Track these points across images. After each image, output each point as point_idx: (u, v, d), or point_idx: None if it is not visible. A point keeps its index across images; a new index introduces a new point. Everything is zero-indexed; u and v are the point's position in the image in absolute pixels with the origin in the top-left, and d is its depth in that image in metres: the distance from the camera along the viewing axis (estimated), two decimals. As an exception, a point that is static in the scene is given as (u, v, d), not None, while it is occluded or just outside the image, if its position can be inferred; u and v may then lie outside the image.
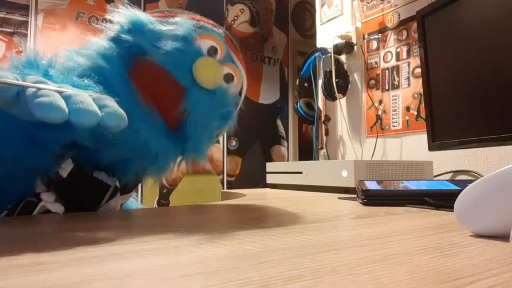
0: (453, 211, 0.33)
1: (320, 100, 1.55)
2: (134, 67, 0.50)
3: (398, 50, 1.30)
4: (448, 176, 1.10)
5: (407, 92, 1.26)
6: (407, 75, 1.26)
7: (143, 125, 0.47)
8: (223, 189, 2.78)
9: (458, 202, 0.32)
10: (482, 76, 0.71)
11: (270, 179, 1.17)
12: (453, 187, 0.59)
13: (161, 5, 2.65)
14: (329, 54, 1.40)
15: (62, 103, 0.35)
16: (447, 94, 0.80)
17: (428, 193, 0.57)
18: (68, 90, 0.38)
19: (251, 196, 0.82)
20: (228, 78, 0.53)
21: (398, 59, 1.30)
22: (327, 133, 1.55)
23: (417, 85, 1.22)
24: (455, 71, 0.78)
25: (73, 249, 0.26)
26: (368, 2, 1.44)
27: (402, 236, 0.32)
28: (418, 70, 1.23)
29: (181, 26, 0.50)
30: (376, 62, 1.38)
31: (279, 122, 3.09)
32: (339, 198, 0.73)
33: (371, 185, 0.61)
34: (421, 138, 1.20)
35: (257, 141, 2.96)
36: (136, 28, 0.49)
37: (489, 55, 0.70)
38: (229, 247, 0.27)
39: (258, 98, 2.98)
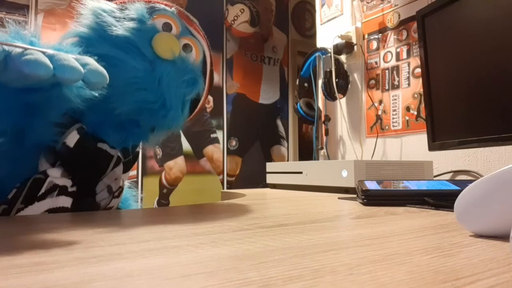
0: (453, 211, 0.33)
1: (320, 100, 1.55)
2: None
3: (398, 50, 1.30)
4: (448, 176, 1.10)
5: (407, 92, 1.26)
6: (407, 75, 1.26)
7: (146, 78, 0.54)
8: (223, 189, 2.78)
9: (458, 202, 0.32)
10: (482, 76, 0.71)
11: (270, 179, 1.17)
12: (453, 187, 0.59)
13: (161, 5, 2.65)
14: (329, 54, 1.40)
15: (47, 60, 0.38)
16: (447, 94, 0.80)
17: (428, 193, 0.57)
18: (51, 51, 0.40)
19: (251, 196, 0.82)
20: (186, 48, 0.59)
21: (398, 59, 1.30)
22: (327, 133, 1.55)
23: (417, 85, 1.22)
24: (455, 71, 0.78)
25: (73, 249, 0.26)
26: (368, 2, 1.44)
27: (402, 236, 0.32)
28: (418, 70, 1.23)
29: (135, 10, 0.55)
30: (376, 62, 1.38)
31: (279, 122, 3.08)
32: (339, 198, 0.73)
33: (371, 185, 0.61)
34: (421, 138, 1.20)
35: (257, 141, 2.96)
36: (97, 17, 0.55)
37: (489, 55, 0.70)
38: (229, 247, 0.27)
39: (258, 98, 2.98)
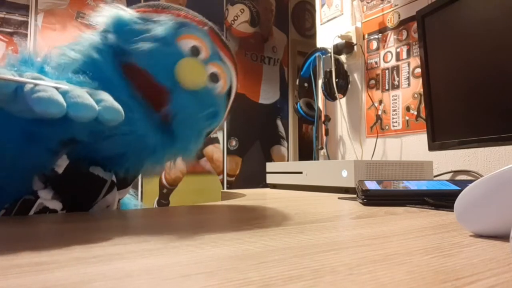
0: (453, 211, 0.33)
1: (320, 100, 1.55)
2: (126, 63, 0.49)
3: (398, 50, 1.30)
4: (448, 176, 1.10)
5: (407, 92, 1.26)
6: (407, 75, 1.26)
7: (139, 118, 0.47)
8: (223, 189, 2.78)
9: (458, 202, 0.32)
10: (482, 76, 0.71)
11: (270, 179, 1.17)
12: (453, 187, 0.59)
13: (161, 5, 2.65)
14: (329, 54, 1.40)
15: (60, 98, 0.35)
16: (447, 94, 0.80)
17: (428, 193, 0.57)
18: (65, 86, 0.38)
19: (251, 196, 0.82)
20: (214, 77, 0.52)
21: (398, 59, 1.30)
22: (327, 133, 1.55)
23: (417, 85, 1.22)
24: (455, 71, 0.78)
25: (73, 249, 0.26)
26: (368, 2, 1.44)
27: (402, 236, 0.32)
28: (418, 70, 1.23)
29: (162, 25, 0.48)
30: (376, 62, 1.38)
31: (279, 122, 3.08)
32: (339, 198, 0.73)
33: (371, 185, 0.61)
34: (421, 138, 1.20)
35: (257, 141, 2.96)
36: (117, 28, 0.49)
37: (489, 55, 0.70)
38: (229, 247, 0.27)
39: (258, 98, 2.98)
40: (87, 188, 0.50)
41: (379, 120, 1.36)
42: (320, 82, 1.48)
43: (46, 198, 0.47)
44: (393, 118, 1.31)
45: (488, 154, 1.02)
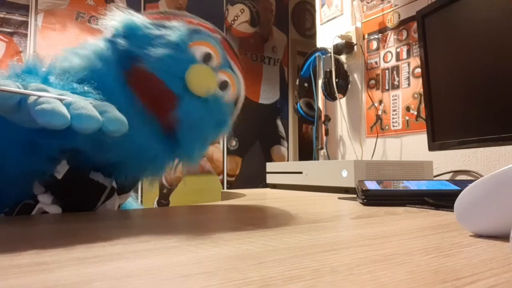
0: (453, 211, 0.33)
1: (320, 100, 1.55)
2: (131, 70, 0.49)
3: (398, 50, 1.30)
4: (448, 176, 1.10)
5: (407, 92, 1.26)
6: (407, 75, 1.26)
7: (138, 128, 0.47)
8: (223, 189, 2.78)
9: (458, 202, 0.32)
10: (482, 76, 0.71)
11: (270, 179, 1.17)
12: (453, 187, 0.59)
13: (161, 5, 2.65)
14: (329, 54, 1.40)
15: (64, 109, 0.35)
16: (447, 94, 0.80)
17: (428, 193, 0.57)
18: (69, 97, 0.38)
19: (251, 196, 0.82)
20: (224, 85, 0.52)
21: (398, 59, 1.30)
22: (327, 133, 1.55)
23: (417, 85, 1.22)
24: (455, 71, 0.78)
25: (73, 249, 0.26)
26: (368, 2, 1.44)
27: (402, 236, 0.32)
28: (418, 70, 1.23)
29: (175, 31, 0.48)
30: (376, 62, 1.38)
31: (279, 122, 3.08)
32: (339, 198, 0.73)
33: (371, 185, 0.61)
34: (421, 138, 1.20)
35: (257, 141, 2.96)
36: (129, 32, 0.49)
37: (489, 55, 0.70)
38: (229, 247, 0.27)
39: (258, 98, 2.98)
40: (86, 193, 0.50)
41: (379, 120, 1.36)
42: (320, 82, 1.48)
43: (45, 202, 0.46)
44: (393, 118, 1.31)
45: (488, 154, 1.02)
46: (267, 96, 3.02)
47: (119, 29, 0.49)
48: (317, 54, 1.47)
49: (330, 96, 1.39)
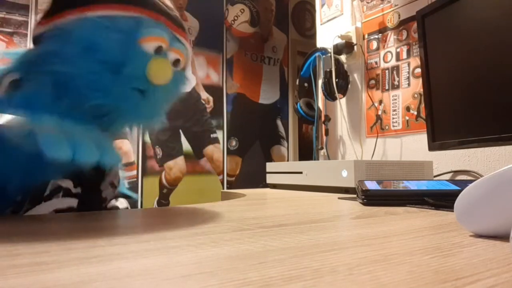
0: (453, 211, 0.33)
1: (320, 100, 1.55)
2: None
3: (398, 50, 1.30)
4: (448, 176, 1.10)
5: (407, 92, 1.26)
6: (407, 75, 1.26)
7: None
8: (223, 189, 2.78)
9: (458, 202, 0.32)
10: (482, 76, 0.71)
11: (270, 179, 1.17)
12: (453, 187, 0.59)
13: (161, 5, 2.64)
14: (329, 54, 1.40)
15: (69, 147, 0.40)
16: (447, 94, 0.80)
17: (428, 193, 0.57)
18: (72, 129, 0.42)
19: (251, 196, 0.82)
20: (176, 62, 0.57)
21: (398, 59, 1.30)
22: (327, 133, 1.55)
23: (417, 85, 1.22)
24: (455, 71, 0.78)
25: (73, 249, 0.26)
26: (368, 2, 1.44)
27: (402, 236, 0.32)
28: (418, 70, 1.23)
29: (124, 35, 0.51)
30: (376, 62, 1.38)
31: (279, 122, 3.08)
32: (339, 198, 0.73)
33: (371, 185, 0.61)
34: (421, 138, 1.20)
35: (257, 141, 2.96)
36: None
37: (489, 55, 0.70)
38: (229, 247, 0.27)
39: (258, 98, 2.98)
40: (93, 174, 0.54)
41: (379, 120, 1.36)
42: (320, 82, 1.48)
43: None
44: (393, 118, 1.31)
45: (488, 154, 1.02)
46: (267, 96, 3.02)
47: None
48: (317, 54, 1.47)
49: (330, 96, 1.39)
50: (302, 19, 3.32)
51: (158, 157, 2.51)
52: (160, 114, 0.59)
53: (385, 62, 1.35)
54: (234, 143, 2.85)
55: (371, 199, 0.58)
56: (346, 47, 1.40)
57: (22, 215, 0.48)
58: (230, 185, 2.81)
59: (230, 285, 0.18)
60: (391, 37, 1.33)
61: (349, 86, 1.43)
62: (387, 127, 1.32)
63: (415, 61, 1.24)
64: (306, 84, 1.52)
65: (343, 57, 1.46)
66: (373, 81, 1.39)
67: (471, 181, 0.46)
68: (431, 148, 0.83)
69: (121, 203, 0.63)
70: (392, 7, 1.33)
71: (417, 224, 0.39)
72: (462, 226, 0.32)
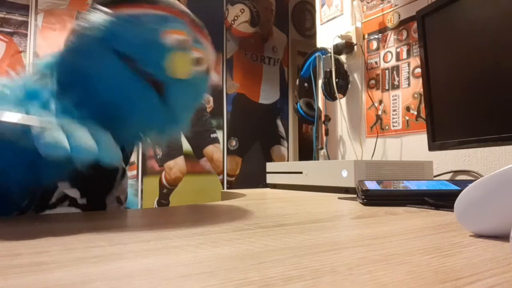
0: (453, 211, 0.33)
1: (320, 100, 1.55)
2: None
3: (398, 50, 1.30)
4: (448, 176, 1.10)
5: (407, 92, 1.26)
6: (407, 75, 1.26)
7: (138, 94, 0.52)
8: (223, 189, 2.78)
9: (458, 202, 0.32)
10: (482, 76, 0.71)
11: (270, 179, 1.17)
12: (453, 187, 0.59)
13: (161, 5, 2.65)
14: (329, 54, 1.40)
15: (65, 142, 0.39)
16: (447, 94, 0.80)
17: (428, 193, 0.57)
18: (69, 126, 0.41)
19: (251, 196, 0.82)
20: (198, 62, 0.56)
21: (398, 59, 1.30)
22: (327, 133, 1.55)
23: (417, 85, 1.22)
24: (455, 71, 0.78)
25: (73, 249, 0.26)
26: (368, 2, 1.44)
27: (402, 236, 0.32)
28: (418, 70, 1.23)
29: (147, 28, 0.52)
30: (376, 62, 1.38)
31: (279, 122, 3.08)
32: (339, 198, 0.73)
33: (371, 185, 0.61)
34: (421, 138, 1.20)
35: (257, 141, 2.96)
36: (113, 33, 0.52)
37: (489, 55, 0.70)
38: (229, 247, 0.27)
39: (258, 98, 2.98)
40: (102, 178, 0.54)
41: (379, 120, 1.36)
42: (320, 82, 1.48)
43: (65, 186, 0.51)
44: (393, 118, 1.31)
45: (488, 154, 1.02)
46: (267, 96, 3.02)
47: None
48: (317, 54, 1.47)
49: (330, 96, 1.39)
50: (302, 19, 3.32)
51: (158, 157, 2.51)
52: (181, 119, 0.56)
53: (385, 62, 1.35)
54: (234, 143, 2.85)
55: (371, 199, 0.58)
56: (346, 47, 1.40)
57: (14, 216, 0.48)
58: (230, 185, 2.81)
59: (230, 285, 0.18)
60: (391, 37, 1.33)
61: (349, 86, 1.43)
62: (387, 127, 1.32)
63: (415, 61, 1.24)
64: (306, 84, 1.52)
65: (343, 57, 1.46)
66: (373, 81, 1.39)
67: (471, 181, 0.46)
68: (431, 148, 0.83)
69: None
70: (392, 7, 1.33)
71: (417, 224, 0.39)
72: (462, 226, 0.32)
